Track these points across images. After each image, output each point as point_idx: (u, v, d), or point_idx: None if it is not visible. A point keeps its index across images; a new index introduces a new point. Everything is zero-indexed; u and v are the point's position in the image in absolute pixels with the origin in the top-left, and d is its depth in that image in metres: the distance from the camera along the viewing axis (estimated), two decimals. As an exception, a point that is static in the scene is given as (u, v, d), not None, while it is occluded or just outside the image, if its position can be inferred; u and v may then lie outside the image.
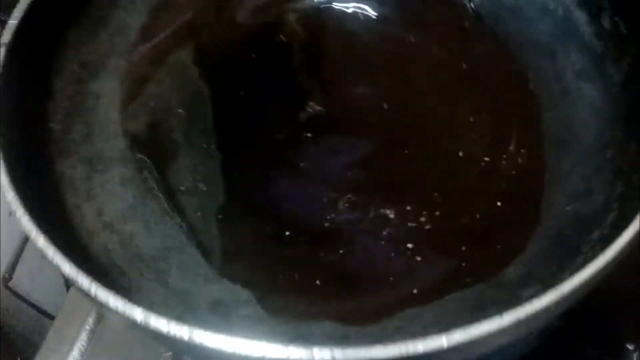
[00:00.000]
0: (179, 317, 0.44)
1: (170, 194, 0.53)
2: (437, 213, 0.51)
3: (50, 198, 0.50)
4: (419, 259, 0.49)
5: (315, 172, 0.55)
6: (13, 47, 0.50)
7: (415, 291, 0.48)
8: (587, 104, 0.54)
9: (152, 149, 0.55)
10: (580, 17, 0.57)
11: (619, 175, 0.49)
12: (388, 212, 0.52)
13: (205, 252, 0.50)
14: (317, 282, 0.49)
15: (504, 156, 0.53)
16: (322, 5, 0.62)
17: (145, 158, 0.54)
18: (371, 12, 0.62)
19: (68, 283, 0.78)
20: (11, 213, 0.62)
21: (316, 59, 0.61)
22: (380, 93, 0.58)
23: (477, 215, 0.51)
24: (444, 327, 0.44)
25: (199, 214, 0.52)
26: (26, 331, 0.74)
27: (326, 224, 0.51)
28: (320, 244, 0.51)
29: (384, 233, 0.51)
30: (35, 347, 0.65)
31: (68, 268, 0.41)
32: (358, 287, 0.49)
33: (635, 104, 0.51)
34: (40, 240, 0.42)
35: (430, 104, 0.57)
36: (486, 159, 0.54)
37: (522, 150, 0.53)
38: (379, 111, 0.57)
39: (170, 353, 0.59)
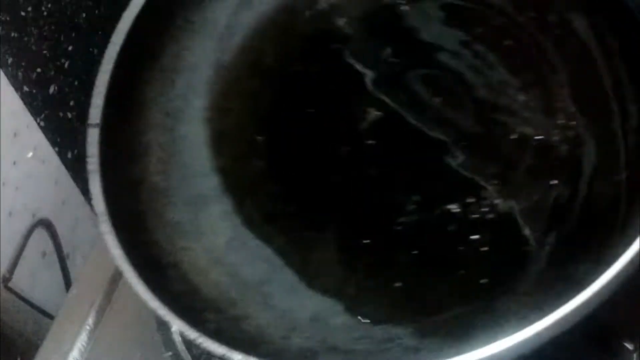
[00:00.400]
0: (287, 336, 0.49)
1: (261, 220, 0.58)
2: (496, 201, 0.54)
3: (162, 249, 0.56)
4: (485, 249, 0.52)
5: (382, 178, 0.58)
6: (102, 124, 0.56)
7: (484, 281, 0.51)
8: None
9: (240, 180, 0.60)
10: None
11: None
12: (452, 207, 0.54)
13: (299, 271, 0.55)
14: (397, 284, 0.53)
15: (555, 131, 0.54)
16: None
17: (235, 191, 0.59)
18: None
19: (68, 283, 0.78)
20: (11, 214, 0.62)
21: (371, 62, 0.63)
22: (431, 88, 0.60)
23: (535, 198, 0.53)
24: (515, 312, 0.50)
25: (288, 235, 0.57)
26: (26, 331, 0.73)
27: (398, 228, 0.55)
28: (395, 248, 0.54)
29: (450, 228, 0.54)
30: (35, 347, 0.65)
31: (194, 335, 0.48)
32: (433, 284, 0.53)
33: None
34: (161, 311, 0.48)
35: (480, 88, 0.59)
36: (538, 137, 0.55)
37: (572, 123, 0.54)
38: (432, 107, 0.60)
39: (170, 353, 0.62)
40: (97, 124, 0.55)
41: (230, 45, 0.64)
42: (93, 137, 0.55)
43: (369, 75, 0.62)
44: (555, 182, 0.53)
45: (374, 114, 0.60)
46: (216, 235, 0.57)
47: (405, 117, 0.59)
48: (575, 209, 0.52)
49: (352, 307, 0.53)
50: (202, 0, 0.65)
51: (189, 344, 0.62)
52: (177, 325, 0.48)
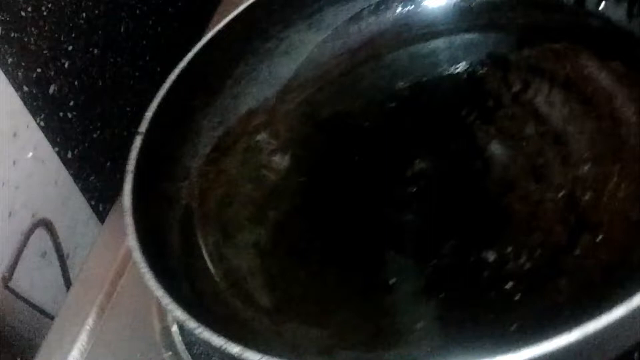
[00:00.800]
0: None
1: (286, 253, 0.59)
2: (537, 252, 0.54)
3: (185, 266, 0.57)
4: (517, 297, 0.52)
5: (420, 223, 0.59)
6: (148, 136, 0.59)
7: (513, 327, 0.50)
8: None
9: (276, 214, 0.62)
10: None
11: None
12: (489, 255, 0.55)
13: (316, 304, 0.56)
14: (418, 325, 0.53)
15: (605, 191, 0.55)
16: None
17: (268, 224, 0.61)
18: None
19: (68, 283, 0.78)
20: (11, 214, 0.63)
21: (420, 119, 0.66)
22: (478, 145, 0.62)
23: (577, 252, 0.53)
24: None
25: (310, 269, 0.58)
26: (26, 331, 0.73)
27: (429, 270, 0.55)
28: (423, 289, 0.55)
29: (484, 275, 0.54)
30: (35, 347, 0.65)
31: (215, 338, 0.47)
32: (458, 326, 0.53)
33: None
34: (177, 313, 0.48)
35: (529, 148, 0.61)
36: (586, 196, 0.56)
37: (622, 185, 0.55)
38: (480, 162, 0.61)
39: (170, 353, 0.62)
40: (141, 133, 0.59)
41: (289, 96, 0.69)
42: (135, 142, 0.58)
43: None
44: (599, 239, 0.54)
45: (421, 165, 0.62)
46: (239, 262, 0.59)
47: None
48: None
49: (369, 345, 0.53)
50: (272, 51, 0.69)
51: (189, 344, 0.62)
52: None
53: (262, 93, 0.68)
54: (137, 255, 0.51)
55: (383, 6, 0.71)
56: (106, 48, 0.87)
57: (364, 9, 0.71)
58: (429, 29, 0.71)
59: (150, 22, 0.94)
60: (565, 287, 0.52)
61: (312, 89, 0.69)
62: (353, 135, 0.66)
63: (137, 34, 0.92)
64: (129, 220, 0.53)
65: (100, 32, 0.86)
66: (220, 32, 0.65)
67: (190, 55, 0.63)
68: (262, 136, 0.67)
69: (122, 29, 0.90)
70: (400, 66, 0.70)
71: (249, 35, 0.67)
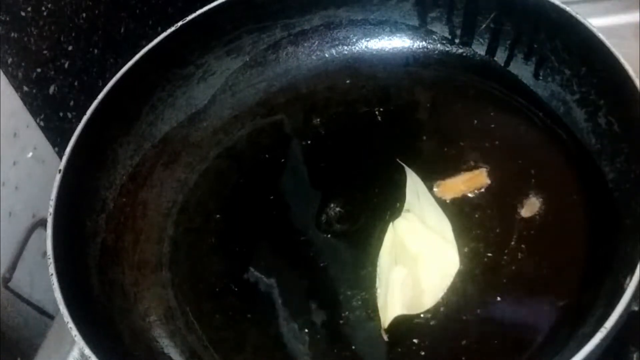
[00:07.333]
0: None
1: (202, 295, 0.59)
2: (441, 309, 0.54)
3: (100, 304, 0.57)
4: (423, 353, 0.53)
5: (333, 272, 0.58)
6: (68, 171, 0.58)
7: None
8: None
9: (189, 253, 0.61)
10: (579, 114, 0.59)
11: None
12: None
13: (229, 351, 0.57)
14: None
15: (506, 251, 0.56)
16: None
17: (183, 263, 0.61)
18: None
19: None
20: (11, 214, 0.63)
21: (338, 161, 0.66)
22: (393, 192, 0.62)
23: (478, 311, 0.54)
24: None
25: (225, 314, 0.58)
26: (26, 331, 0.73)
27: (341, 322, 0.56)
28: (335, 341, 0.55)
29: (393, 329, 0.54)
30: (35, 347, 0.65)
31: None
32: None
33: (626, 206, 0.53)
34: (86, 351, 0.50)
35: (439, 200, 0.60)
36: (489, 254, 0.56)
37: (522, 246, 0.56)
38: (391, 209, 0.61)
39: None
40: (61, 170, 0.59)
41: (202, 126, 0.69)
42: (55, 182, 0.59)
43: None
44: (499, 299, 0.55)
45: (337, 210, 0.62)
46: (155, 302, 0.59)
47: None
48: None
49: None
50: (189, 77, 0.69)
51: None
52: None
53: (178, 119, 0.68)
54: (63, 309, 0.52)
55: (302, 37, 0.71)
56: (106, 48, 0.87)
57: (284, 38, 0.71)
58: (347, 64, 0.71)
59: (150, 22, 0.94)
60: (466, 345, 0.53)
61: (228, 119, 0.69)
62: (267, 171, 0.66)
63: (137, 34, 0.92)
64: (52, 269, 0.54)
65: (100, 32, 0.86)
66: (139, 60, 0.65)
67: (109, 84, 0.64)
68: (176, 166, 0.67)
69: (122, 29, 0.89)
70: (316, 100, 0.69)
71: (167, 61, 0.67)
